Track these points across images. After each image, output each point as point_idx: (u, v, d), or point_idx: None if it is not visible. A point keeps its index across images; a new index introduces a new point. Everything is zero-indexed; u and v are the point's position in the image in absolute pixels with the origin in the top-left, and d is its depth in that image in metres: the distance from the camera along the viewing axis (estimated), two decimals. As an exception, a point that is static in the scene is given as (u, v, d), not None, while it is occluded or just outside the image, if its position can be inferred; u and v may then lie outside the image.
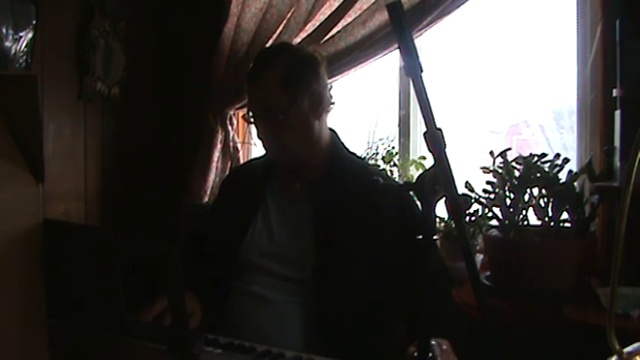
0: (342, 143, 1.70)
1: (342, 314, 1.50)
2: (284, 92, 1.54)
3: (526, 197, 1.91)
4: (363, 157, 2.30)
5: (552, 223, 1.90)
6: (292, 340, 1.47)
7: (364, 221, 1.55)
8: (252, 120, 1.62)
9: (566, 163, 1.92)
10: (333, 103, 1.65)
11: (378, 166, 2.37)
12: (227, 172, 2.49)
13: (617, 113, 1.94)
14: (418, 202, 0.99)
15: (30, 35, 2.10)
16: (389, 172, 2.36)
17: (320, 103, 1.60)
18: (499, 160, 1.95)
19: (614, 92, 1.95)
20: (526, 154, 1.95)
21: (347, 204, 1.56)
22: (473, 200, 1.94)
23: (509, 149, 1.97)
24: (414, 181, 0.98)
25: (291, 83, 1.55)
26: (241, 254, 1.61)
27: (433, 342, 1.21)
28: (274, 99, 1.55)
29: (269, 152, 1.66)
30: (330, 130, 1.68)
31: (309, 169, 1.63)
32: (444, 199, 0.94)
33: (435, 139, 0.93)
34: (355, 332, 1.49)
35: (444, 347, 1.26)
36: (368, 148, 2.45)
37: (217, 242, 1.67)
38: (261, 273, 1.58)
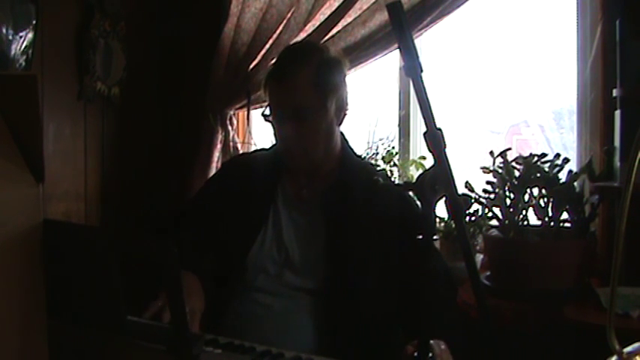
0: (351, 148, 1.67)
1: (353, 325, 1.46)
2: (316, 94, 1.50)
3: (526, 197, 1.90)
4: (363, 157, 2.30)
5: (552, 223, 1.90)
6: (300, 350, 1.45)
7: (376, 230, 1.52)
8: (270, 118, 1.56)
9: (566, 163, 1.91)
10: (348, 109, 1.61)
11: (378, 165, 2.37)
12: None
13: (617, 113, 1.94)
14: (418, 202, 0.98)
15: (30, 35, 2.10)
16: (389, 172, 2.36)
17: (343, 109, 1.58)
18: (499, 160, 1.94)
19: (614, 92, 1.94)
20: (526, 154, 1.95)
21: (359, 214, 1.53)
22: (473, 200, 1.94)
23: (509, 149, 1.96)
24: (414, 181, 0.98)
25: (323, 85, 1.51)
26: (250, 260, 1.56)
27: (431, 342, 1.20)
28: (306, 100, 1.50)
29: (286, 153, 1.59)
30: (340, 133, 1.64)
31: (321, 175, 1.60)
32: (444, 199, 0.94)
33: (435, 139, 0.93)
34: (365, 342, 1.46)
35: (442, 347, 1.25)
36: (368, 148, 2.45)
37: (224, 244, 1.61)
38: (271, 280, 1.55)
